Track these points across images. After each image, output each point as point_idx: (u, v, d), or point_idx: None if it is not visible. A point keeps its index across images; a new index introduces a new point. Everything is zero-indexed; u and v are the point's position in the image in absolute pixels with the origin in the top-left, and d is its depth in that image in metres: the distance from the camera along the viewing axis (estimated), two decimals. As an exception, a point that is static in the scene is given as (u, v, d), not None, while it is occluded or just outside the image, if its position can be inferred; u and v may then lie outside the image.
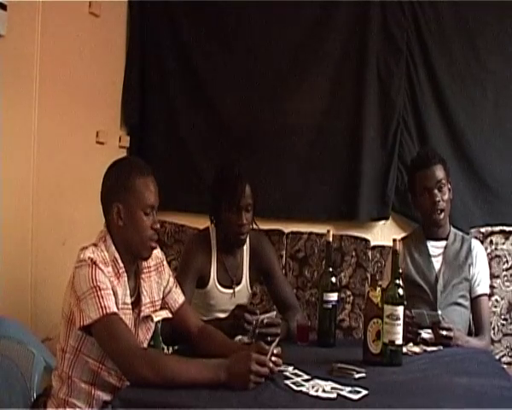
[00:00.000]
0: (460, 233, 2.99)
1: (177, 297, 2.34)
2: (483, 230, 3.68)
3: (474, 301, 2.90)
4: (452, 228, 3.01)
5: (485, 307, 2.92)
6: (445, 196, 2.89)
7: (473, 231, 3.60)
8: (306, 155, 3.87)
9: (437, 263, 2.92)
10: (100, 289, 1.99)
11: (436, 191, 2.87)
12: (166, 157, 3.96)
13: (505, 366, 3.18)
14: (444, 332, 2.56)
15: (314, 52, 3.86)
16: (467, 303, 2.89)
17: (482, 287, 2.90)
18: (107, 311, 1.97)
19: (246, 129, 3.90)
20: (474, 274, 2.89)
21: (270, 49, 3.89)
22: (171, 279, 2.35)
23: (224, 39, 3.96)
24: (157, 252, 2.30)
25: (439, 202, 2.86)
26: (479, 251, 2.95)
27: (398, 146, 3.82)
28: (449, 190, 2.93)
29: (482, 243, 3.57)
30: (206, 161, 3.82)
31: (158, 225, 2.17)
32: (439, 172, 2.91)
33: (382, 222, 3.87)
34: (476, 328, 2.89)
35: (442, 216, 2.89)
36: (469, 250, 2.92)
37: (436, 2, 3.79)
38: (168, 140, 3.99)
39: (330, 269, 2.57)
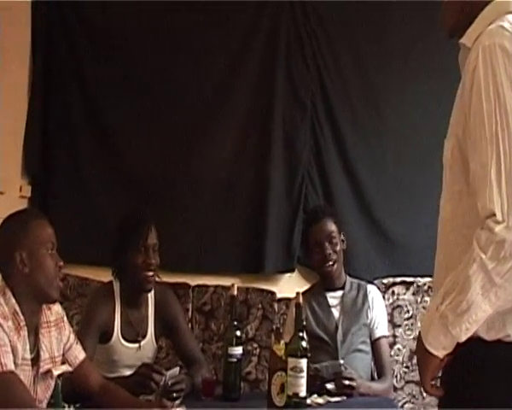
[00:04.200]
0: (356, 281, 3.12)
1: (78, 354, 2.29)
2: (385, 281, 3.77)
3: (374, 344, 3.00)
4: (348, 277, 3.13)
5: (385, 348, 3.04)
6: (337, 248, 3.02)
7: (375, 282, 3.68)
8: (212, 208, 3.86)
9: (336, 313, 3.00)
10: (-3, 346, 1.92)
11: (327, 244, 3.00)
12: (70, 208, 3.85)
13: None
14: (346, 382, 2.60)
15: (221, 106, 3.90)
16: (368, 349, 2.99)
17: (380, 330, 3.01)
18: (4, 369, 1.91)
19: (152, 180, 3.86)
20: (372, 318, 3.01)
21: (178, 100, 3.89)
22: (72, 336, 2.30)
23: (131, 88, 3.91)
24: (57, 308, 2.26)
25: (329, 254, 2.98)
26: (375, 295, 3.09)
27: (303, 199, 3.87)
28: (342, 241, 3.05)
29: (384, 293, 3.68)
30: (111, 212, 3.71)
31: (62, 263, 2.16)
32: (329, 226, 3.05)
33: (288, 274, 3.90)
34: (378, 370, 2.99)
35: (335, 267, 3.00)
36: (365, 295, 3.05)
37: (339, 58, 3.93)
38: (72, 190, 3.89)
39: (235, 323, 2.58)
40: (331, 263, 3.00)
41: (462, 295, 1.49)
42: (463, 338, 1.52)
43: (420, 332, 1.64)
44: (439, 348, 1.56)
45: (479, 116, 1.52)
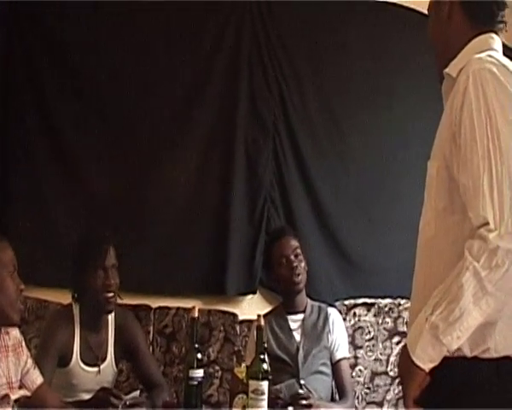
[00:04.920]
0: (316, 304, 3.17)
1: (35, 378, 2.26)
2: (347, 302, 3.80)
3: (335, 365, 3.04)
4: (309, 300, 3.18)
5: (346, 370, 3.09)
6: (302, 264, 3.06)
7: (337, 303, 3.71)
8: (174, 229, 3.83)
9: (297, 335, 3.03)
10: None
11: (293, 257, 3.04)
12: (28, 228, 3.76)
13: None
14: (303, 401, 2.62)
15: (182, 128, 3.87)
16: (328, 371, 3.03)
17: (341, 351, 3.07)
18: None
19: (114, 201, 3.79)
20: (333, 340, 3.06)
21: (139, 122, 3.85)
22: (29, 360, 2.27)
23: (92, 107, 3.84)
24: (15, 333, 2.23)
25: (296, 266, 3.04)
26: (335, 318, 3.14)
27: (265, 222, 3.88)
28: (305, 259, 3.09)
29: (346, 315, 3.71)
30: (70, 233, 3.65)
31: (23, 286, 2.16)
32: (294, 242, 3.14)
33: (250, 296, 3.89)
34: (339, 391, 3.04)
35: (300, 280, 3.04)
36: (326, 318, 3.10)
37: (301, 81, 3.97)
38: (31, 211, 3.80)
39: (196, 345, 2.56)
40: (298, 275, 3.04)
41: (455, 304, 1.53)
42: (454, 347, 1.56)
43: (404, 348, 1.65)
44: (427, 361, 1.58)
45: (470, 133, 1.59)
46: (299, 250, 3.10)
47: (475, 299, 1.51)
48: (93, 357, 2.73)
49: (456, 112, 1.64)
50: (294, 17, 3.96)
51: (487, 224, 1.52)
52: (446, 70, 1.78)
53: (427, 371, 1.59)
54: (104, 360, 2.76)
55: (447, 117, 1.70)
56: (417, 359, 1.59)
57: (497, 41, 1.77)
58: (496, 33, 1.79)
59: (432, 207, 1.74)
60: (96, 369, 2.73)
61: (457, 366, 1.61)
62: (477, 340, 1.60)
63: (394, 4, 4.05)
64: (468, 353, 1.61)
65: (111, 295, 2.71)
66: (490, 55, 1.67)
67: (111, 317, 2.81)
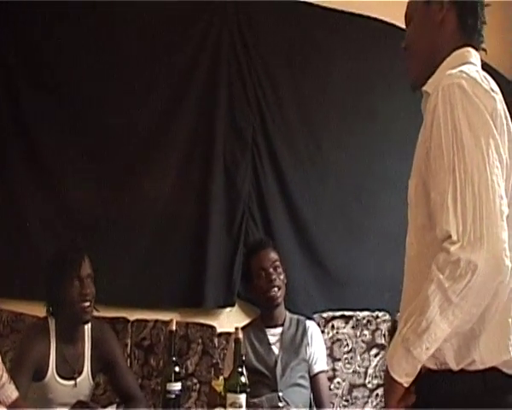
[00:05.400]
0: (295, 316, 3.18)
1: (11, 393, 2.23)
2: (325, 315, 3.81)
3: (313, 379, 3.06)
4: (288, 313, 3.18)
5: (324, 383, 3.11)
6: (281, 277, 3.07)
7: (315, 316, 3.71)
8: (152, 241, 3.81)
9: (276, 349, 3.03)
10: None
11: (272, 270, 3.04)
12: (4, 240, 3.73)
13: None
14: None
15: (161, 139, 3.85)
16: (306, 383, 3.03)
17: (319, 365, 3.08)
18: None
19: (92, 214, 3.75)
20: (311, 354, 3.07)
21: (117, 134, 3.80)
22: (5, 375, 2.25)
23: (70, 116, 3.77)
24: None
25: (275, 279, 3.05)
26: (313, 331, 3.15)
27: (243, 234, 3.88)
28: (284, 272, 3.10)
29: (324, 327, 3.72)
30: (48, 245, 3.62)
31: None
32: (273, 254, 3.14)
33: (228, 309, 3.89)
34: (317, 404, 3.07)
35: (279, 294, 3.05)
36: (304, 331, 3.11)
37: (280, 94, 4.00)
38: (7, 222, 3.76)
39: (174, 358, 2.54)
40: (276, 289, 3.04)
41: (422, 316, 1.54)
42: (424, 358, 1.57)
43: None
44: (403, 375, 1.59)
45: (438, 149, 1.62)
46: (278, 263, 3.11)
47: (442, 310, 1.53)
48: (69, 370, 2.70)
49: (428, 128, 1.67)
50: (273, 28, 3.99)
51: (450, 237, 1.54)
52: (424, 88, 1.81)
53: (404, 384, 1.60)
54: (80, 373, 2.73)
55: (422, 134, 1.74)
56: (394, 373, 1.60)
57: (473, 54, 1.80)
58: (474, 48, 1.81)
59: (413, 224, 1.77)
60: (72, 382, 2.70)
61: (444, 379, 1.63)
62: (462, 353, 1.62)
63: (375, 19, 4.10)
64: (454, 366, 1.63)
65: (87, 304, 2.68)
66: (461, 70, 1.69)
67: (87, 329, 2.78)
